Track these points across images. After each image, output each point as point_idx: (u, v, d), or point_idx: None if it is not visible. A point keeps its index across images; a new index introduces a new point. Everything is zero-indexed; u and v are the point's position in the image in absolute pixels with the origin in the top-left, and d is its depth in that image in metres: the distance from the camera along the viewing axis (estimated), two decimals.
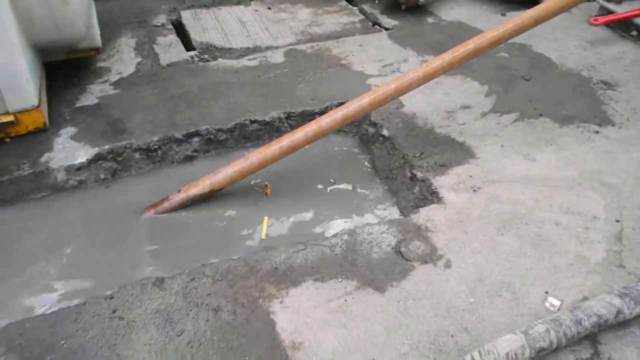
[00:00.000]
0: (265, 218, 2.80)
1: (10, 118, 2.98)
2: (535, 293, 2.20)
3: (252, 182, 3.00)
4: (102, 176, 2.98)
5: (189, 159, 3.14)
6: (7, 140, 3.03)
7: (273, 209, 2.88)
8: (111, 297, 2.18)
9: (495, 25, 2.82)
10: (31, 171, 2.85)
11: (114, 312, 2.12)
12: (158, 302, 2.15)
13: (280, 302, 2.15)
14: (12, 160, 2.92)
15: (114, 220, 2.80)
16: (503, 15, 4.62)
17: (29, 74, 2.95)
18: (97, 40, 3.67)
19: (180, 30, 4.44)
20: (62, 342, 2.03)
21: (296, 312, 2.12)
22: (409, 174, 2.91)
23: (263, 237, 2.70)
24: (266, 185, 2.97)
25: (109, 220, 2.80)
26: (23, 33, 2.92)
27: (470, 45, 2.76)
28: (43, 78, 3.36)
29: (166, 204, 2.80)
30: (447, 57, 2.77)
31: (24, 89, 2.96)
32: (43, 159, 2.93)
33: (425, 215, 2.57)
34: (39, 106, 3.05)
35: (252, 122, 3.22)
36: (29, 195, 2.89)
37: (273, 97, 3.43)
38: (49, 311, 2.19)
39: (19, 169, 2.86)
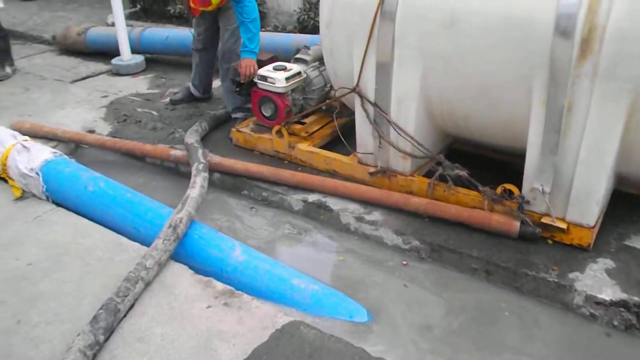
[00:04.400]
0: None
1: (564, 225, 3.14)
2: None
3: None
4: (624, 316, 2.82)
5: None
6: (549, 241, 3.21)
7: None
8: None
9: None
10: (555, 280, 2.94)
11: None
12: None
13: None
14: (544, 260, 3.08)
15: None
16: None
17: (600, 197, 3.02)
18: None
19: None
20: None
21: None
22: None
23: None
24: None
25: None
26: (617, 161, 2.99)
27: None
28: (606, 203, 3.39)
29: None
30: None
31: (590, 208, 3.06)
32: (571, 275, 2.97)
33: None
34: (593, 227, 3.11)
35: None
36: (542, 297, 3.00)
37: None
38: None
39: (546, 271, 3.00)
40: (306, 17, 6.95)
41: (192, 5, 4.67)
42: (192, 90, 5.42)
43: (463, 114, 3.41)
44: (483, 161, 3.84)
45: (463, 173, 3.33)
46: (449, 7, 3.12)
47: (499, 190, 3.26)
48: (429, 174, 3.58)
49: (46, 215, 3.55)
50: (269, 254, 3.26)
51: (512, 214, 3.22)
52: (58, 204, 3.66)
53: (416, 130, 3.48)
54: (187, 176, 3.85)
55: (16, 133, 4.13)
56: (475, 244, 3.23)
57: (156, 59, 6.84)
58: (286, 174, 3.80)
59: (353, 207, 3.59)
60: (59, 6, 10.02)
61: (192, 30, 5.03)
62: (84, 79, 6.52)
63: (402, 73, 3.38)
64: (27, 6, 10.13)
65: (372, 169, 3.70)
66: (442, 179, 3.43)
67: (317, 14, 6.73)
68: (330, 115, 4.21)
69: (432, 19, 3.18)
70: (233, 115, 4.73)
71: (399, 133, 3.49)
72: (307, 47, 4.52)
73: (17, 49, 7.24)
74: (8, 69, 6.58)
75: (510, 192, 3.24)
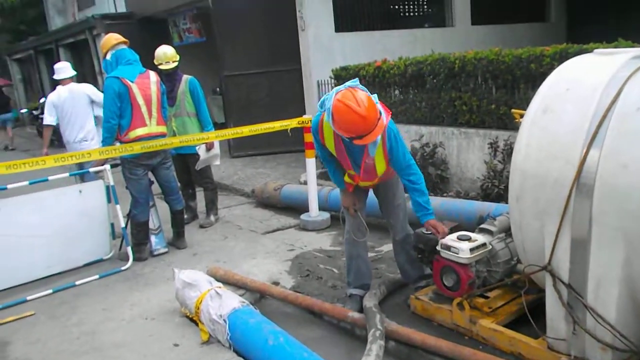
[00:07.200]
0: None
1: None
2: None
3: None
4: None
5: None
6: None
7: None
8: None
9: None
10: None
11: None
12: None
13: None
14: None
15: None
16: None
17: None
18: None
19: None
20: None
21: None
22: None
23: None
24: None
25: None
26: None
27: None
28: None
29: None
30: None
31: None
32: None
33: None
34: None
35: None
36: None
37: None
38: None
39: None
40: (490, 184, 6.90)
41: (347, 180, 4.36)
42: (355, 290, 4.60)
43: None
44: None
45: None
46: None
47: None
48: None
49: None
50: None
51: None
52: (238, 353, 3.81)
53: (618, 318, 3.10)
54: (361, 339, 3.81)
55: (211, 279, 4.51)
56: None
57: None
58: (467, 352, 3.55)
59: None
60: (260, 164, 11.27)
61: (349, 220, 4.51)
62: (274, 231, 7.05)
63: (601, 254, 3.11)
64: (234, 162, 11.56)
65: (564, 358, 3.31)
66: None
67: (501, 182, 6.67)
68: (516, 290, 3.96)
69: (637, 198, 2.95)
70: (413, 285, 4.65)
71: (597, 320, 3.13)
72: (493, 217, 4.44)
73: (221, 199, 8.15)
74: (212, 218, 7.42)
75: None
